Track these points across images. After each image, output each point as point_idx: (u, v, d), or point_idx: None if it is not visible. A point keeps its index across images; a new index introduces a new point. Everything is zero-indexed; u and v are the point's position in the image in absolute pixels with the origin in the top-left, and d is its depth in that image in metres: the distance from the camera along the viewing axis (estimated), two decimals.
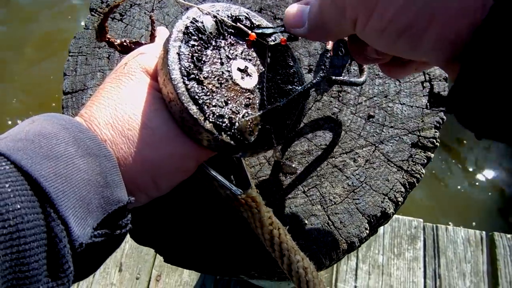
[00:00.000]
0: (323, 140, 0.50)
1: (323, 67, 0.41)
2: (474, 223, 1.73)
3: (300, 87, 0.40)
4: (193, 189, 0.48)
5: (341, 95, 0.52)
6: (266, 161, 0.49)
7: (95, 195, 0.31)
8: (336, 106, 0.51)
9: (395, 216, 1.54)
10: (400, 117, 0.51)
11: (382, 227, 1.56)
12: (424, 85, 0.52)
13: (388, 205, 0.47)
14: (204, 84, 0.36)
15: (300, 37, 0.40)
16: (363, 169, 0.48)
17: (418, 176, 0.48)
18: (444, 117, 0.51)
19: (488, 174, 1.92)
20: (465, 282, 1.42)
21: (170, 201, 0.47)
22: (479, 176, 1.91)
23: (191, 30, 0.38)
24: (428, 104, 0.51)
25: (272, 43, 0.41)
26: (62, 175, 0.29)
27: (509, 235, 1.47)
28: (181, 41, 0.37)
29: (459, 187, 1.87)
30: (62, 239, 0.27)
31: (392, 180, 0.47)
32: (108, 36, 0.41)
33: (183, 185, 0.48)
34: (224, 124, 0.35)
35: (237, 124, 0.36)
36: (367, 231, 0.46)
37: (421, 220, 1.53)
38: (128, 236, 0.46)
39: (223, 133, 0.35)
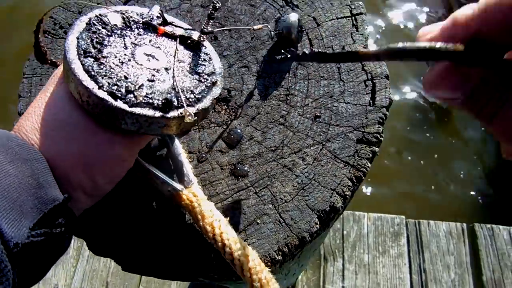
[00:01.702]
0: (273, 142, 0.52)
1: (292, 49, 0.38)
2: (455, 216, 1.76)
3: (211, 68, 0.43)
4: (144, 194, 0.49)
5: (288, 98, 0.54)
6: (218, 166, 0.51)
7: (28, 196, 0.32)
8: (284, 109, 0.53)
9: (378, 214, 1.57)
10: (345, 116, 0.53)
11: (365, 226, 1.58)
12: (367, 83, 0.55)
13: (336, 199, 0.49)
14: (101, 61, 0.37)
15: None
16: (311, 167, 0.50)
17: (364, 170, 0.50)
18: (387, 113, 0.53)
19: (465, 167, 1.96)
20: (450, 274, 1.44)
21: (121, 209, 0.48)
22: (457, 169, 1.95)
23: (93, 21, 0.40)
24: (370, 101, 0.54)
25: (181, 33, 0.44)
26: None
27: (488, 225, 1.50)
28: (83, 29, 0.39)
29: (443, 183, 1.91)
30: None
31: (340, 176, 0.50)
32: (53, 60, 0.43)
33: (133, 191, 0.49)
34: (119, 92, 0.36)
35: (135, 92, 0.36)
36: (318, 226, 0.48)
37: (403, 216, 1.55)
38: None
39: (119, 100, 0.36)
